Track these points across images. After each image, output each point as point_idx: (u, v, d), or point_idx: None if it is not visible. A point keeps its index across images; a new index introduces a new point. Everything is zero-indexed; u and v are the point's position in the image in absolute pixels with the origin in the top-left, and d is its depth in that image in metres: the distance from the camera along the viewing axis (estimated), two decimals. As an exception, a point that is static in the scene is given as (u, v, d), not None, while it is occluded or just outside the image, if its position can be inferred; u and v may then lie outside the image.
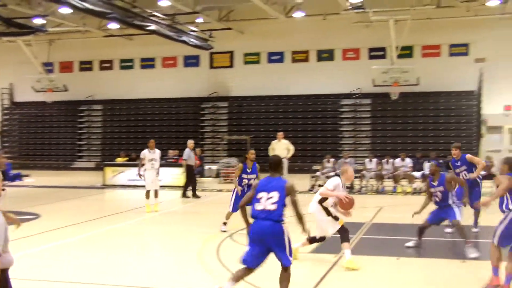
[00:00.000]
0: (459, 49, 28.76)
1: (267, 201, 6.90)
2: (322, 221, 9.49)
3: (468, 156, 12.20)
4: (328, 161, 21.51)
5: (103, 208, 18.43)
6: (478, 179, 12.02)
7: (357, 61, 30.06)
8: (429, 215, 10.74)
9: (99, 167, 27.21)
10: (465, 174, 11.99)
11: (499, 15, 26.90)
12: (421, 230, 10.67)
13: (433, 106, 28.76)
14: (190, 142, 20.29)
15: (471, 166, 12.05)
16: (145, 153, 16.23)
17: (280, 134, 21.66)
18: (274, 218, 6.85)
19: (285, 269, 6.98)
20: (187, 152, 19.90)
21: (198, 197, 19.72)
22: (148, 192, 16.12)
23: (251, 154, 12.85)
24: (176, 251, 11.04)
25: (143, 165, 16.07)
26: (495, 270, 7.99)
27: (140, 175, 16.02)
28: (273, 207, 6.86)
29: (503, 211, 8.04)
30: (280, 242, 6.90)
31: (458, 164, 12.14)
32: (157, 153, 16.46)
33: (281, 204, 6.92)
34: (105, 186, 23.63)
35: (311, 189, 20.98)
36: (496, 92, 27.97)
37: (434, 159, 20.54)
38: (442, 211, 10.60)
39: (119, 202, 20.60)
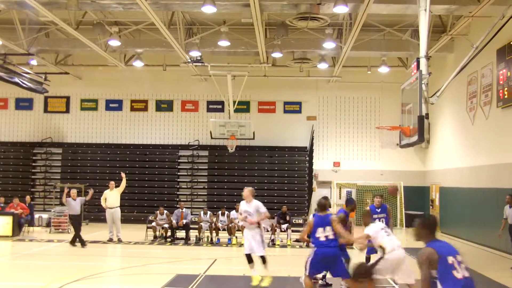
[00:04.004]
0: (293, 107, 30.29)
1: None
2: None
3: (388, 207, 13.82)
4: (162, 213, 21.34)
5: None
6: None
7: (196, 113, 30.56)
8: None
9: None
10: (382, 220, 12.83)
11: (328, 77, 28.91)
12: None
13: (268, 160, 29.80)
14: (74, 192, 19.84)
15: (388, 216, 13.47)
16: None
17: (112, 183, 21.23)
18: None
19: None
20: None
21: (74, 245, 18.98)
22: None
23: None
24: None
25: None
26: None
27: None
28: None
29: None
30: None
31: (378, 211, 13.42)
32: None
33: None
34: None
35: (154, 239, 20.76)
36: (326, 149, 29.79)
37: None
38: None
39: None
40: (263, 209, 12.61)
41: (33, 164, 30.64)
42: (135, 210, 27.91)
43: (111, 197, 20.83)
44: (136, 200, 28.35)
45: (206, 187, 29.56)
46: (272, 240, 20.30)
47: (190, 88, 30.17)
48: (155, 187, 29.27)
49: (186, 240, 20.74)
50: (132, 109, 31.00)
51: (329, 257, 9.88)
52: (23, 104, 31.44)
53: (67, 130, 31.05)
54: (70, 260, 16.62)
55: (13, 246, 19.68)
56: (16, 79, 25.54)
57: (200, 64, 25.61)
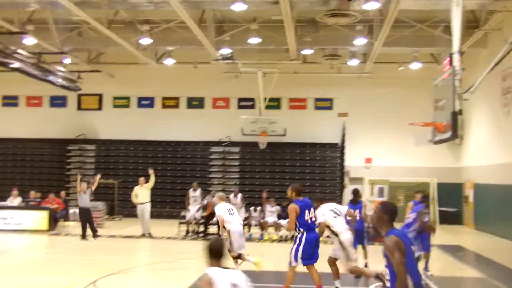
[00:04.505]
0: (324, 103, 30.23)
1: None
2: None
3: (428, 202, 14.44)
4: (195, 189, 21.58)
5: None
6: None
7: (227, 110, 30.66)
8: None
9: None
10: None
11: (359, 73, 28.74)
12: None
13: (299, 156, 29.79)
14: (84, 185, 20.08)
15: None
16: None
17: (142, 179, 21.47)
18: None
19: None
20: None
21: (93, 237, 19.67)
22: None
23: None
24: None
25: None
26: None
27: None
28: None
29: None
30: None
31: (420, 206, 13.48)
32: None
33: None
34: None
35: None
36: (357, 146, 29.60)
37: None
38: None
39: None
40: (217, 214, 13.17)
41: (68, 160, 31.13)
42: (167, 206, 28.12)
43: (141, 193, 21.06)
44: (168, 196, 28.55)
45: (237, 183, 29.66)
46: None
47: (221, 85, 30.21)
48: (187, 183, 29.33)
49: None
50: (164, 106, 31.27)
51: (317, 240, 10.45)
52: (57, 102, 31.94)
53: (100, 127, 31.43)
54: (103, 254, 16.86)
55: (49, 240, 20.10)
56: (50, 77, 26.04)
57: (230, 61, 25.68)
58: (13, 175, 30.08)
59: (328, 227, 10.82)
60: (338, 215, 11.03)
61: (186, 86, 30.70)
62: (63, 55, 26.74)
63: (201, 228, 21.24)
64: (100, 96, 31.68)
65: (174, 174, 29.46)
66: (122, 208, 28.16)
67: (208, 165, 30.24)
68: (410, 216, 12.36)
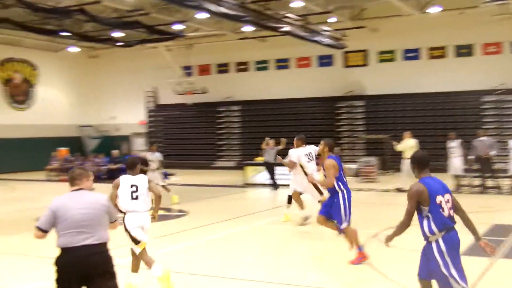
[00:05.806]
0: None
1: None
2: None
3: None
4: (453, 140, 20.82)
5: (247, 207, 18.91)
6: None
7: (500, 56, 28.64)
8: None
9: (239, 167, 27.90)
10: None
11: None
12: None
13: None
14: (271, 142, 23.00)
15: None
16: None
17: (408, 133, 21.00)
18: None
19: None
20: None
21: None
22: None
23: None
24: (315, 251, 11.17)
25: None
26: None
27: None
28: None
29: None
30: None
31: None
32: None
33: None
34: (246, 185, 24.21)
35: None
36: None
37: None
38: None
39: (261, 201, 21.08)
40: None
41: (337, 117, 32.13)
42: (440, 159, 27.35)
43: (405, 148, 20.58)
44: (439, 149, 27.75)
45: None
46: None
47: (492, 29, 28.11)
48: (461, 135, 28.12)
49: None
50: (430, 57, 30.36)
51: None
52: (324, 61, 32.97)
53: (367, 82, 31.69)
54: (378, 208, 17.16)
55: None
56: (317, 38, 26.98)
57: (501, 2, 23.97)
58: (289, 133, 31.62)
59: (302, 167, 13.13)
60: (311, 160, 13.37)
61: (453, 34, 29.29)
62: (328, 14, 27.42)
63: (477, 182, 20.34)
64: (365, 52, 31.89)
65: (446, 127, 28.47)
66: (394, 162, 28.16)
67: (481, 115, 28.73)
68: None
